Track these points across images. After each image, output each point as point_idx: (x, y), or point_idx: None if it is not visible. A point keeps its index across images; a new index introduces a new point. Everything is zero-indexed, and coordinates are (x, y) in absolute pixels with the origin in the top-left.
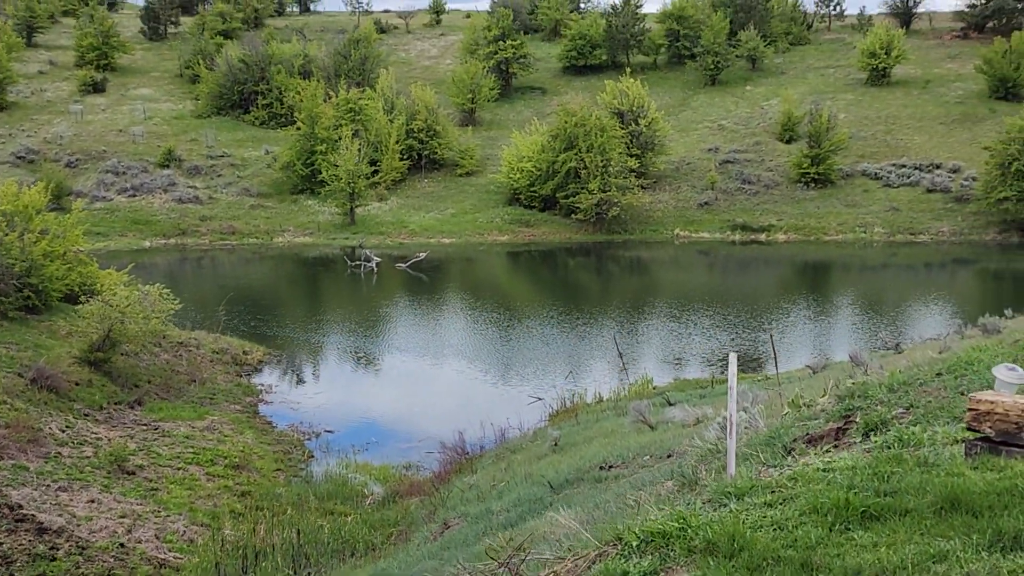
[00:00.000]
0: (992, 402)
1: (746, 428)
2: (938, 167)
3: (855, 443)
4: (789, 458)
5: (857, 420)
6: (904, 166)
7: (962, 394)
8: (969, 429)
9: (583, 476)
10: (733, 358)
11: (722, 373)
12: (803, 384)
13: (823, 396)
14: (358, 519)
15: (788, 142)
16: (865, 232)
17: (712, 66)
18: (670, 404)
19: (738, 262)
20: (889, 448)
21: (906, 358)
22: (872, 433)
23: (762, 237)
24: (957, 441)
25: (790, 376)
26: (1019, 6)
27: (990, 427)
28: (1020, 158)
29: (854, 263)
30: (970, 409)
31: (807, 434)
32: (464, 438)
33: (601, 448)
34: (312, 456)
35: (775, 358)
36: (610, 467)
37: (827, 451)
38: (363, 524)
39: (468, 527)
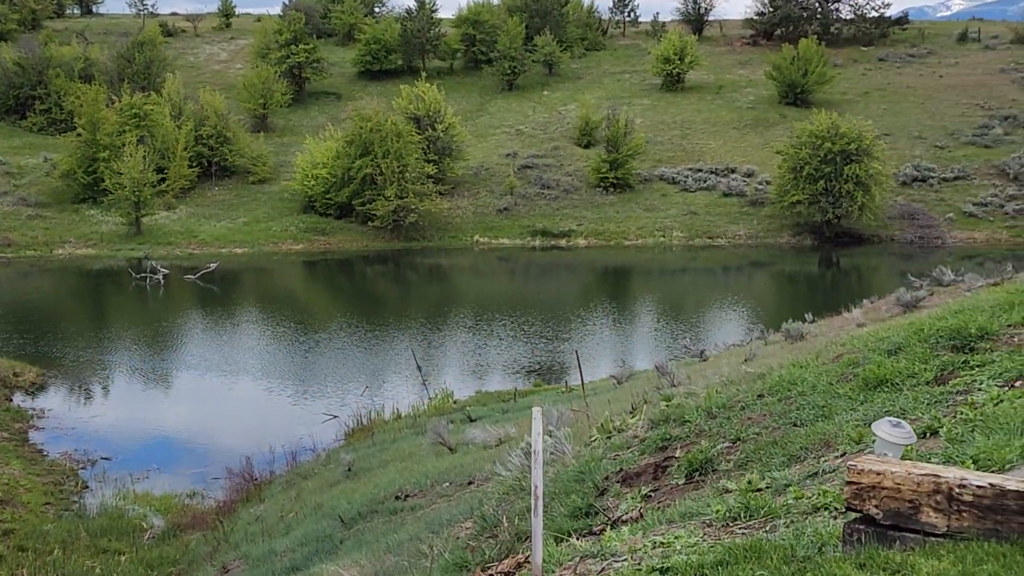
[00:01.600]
0: (879, 473)
1: (552, 455)
2: (733, 171)
3: (679, 486)
4: (610, 531)
5: (677, 455)
6: (700, 170)
7: (795, 425)
8: (849, 508)
9: (377, 508)
10: (537, 415)
11: (525, 383)
12: (610, 397)
13: (634, 417)
14: (133, 558)
15: (586, 147)
16: (664, 236)
17: (509, 71)
18: (471, 420)
19: (539, 268)
20: (735, 520)
21: (712, 367)
22: (697, 474)
23: (563, 243)
24: (818, 509)
25: (595, 387)
26: (805, 15)
27: (876, 506)
28: (811, 162)
29: (654, 267)
30: (850, 482)
31: (621, 470)
32: (252, 462)
33: (397, 474)
34: (87, 487)
35: (580, 372)
36: (406, 496)
37: (647, 496)
38: (139, 564)
39: (248, 573)
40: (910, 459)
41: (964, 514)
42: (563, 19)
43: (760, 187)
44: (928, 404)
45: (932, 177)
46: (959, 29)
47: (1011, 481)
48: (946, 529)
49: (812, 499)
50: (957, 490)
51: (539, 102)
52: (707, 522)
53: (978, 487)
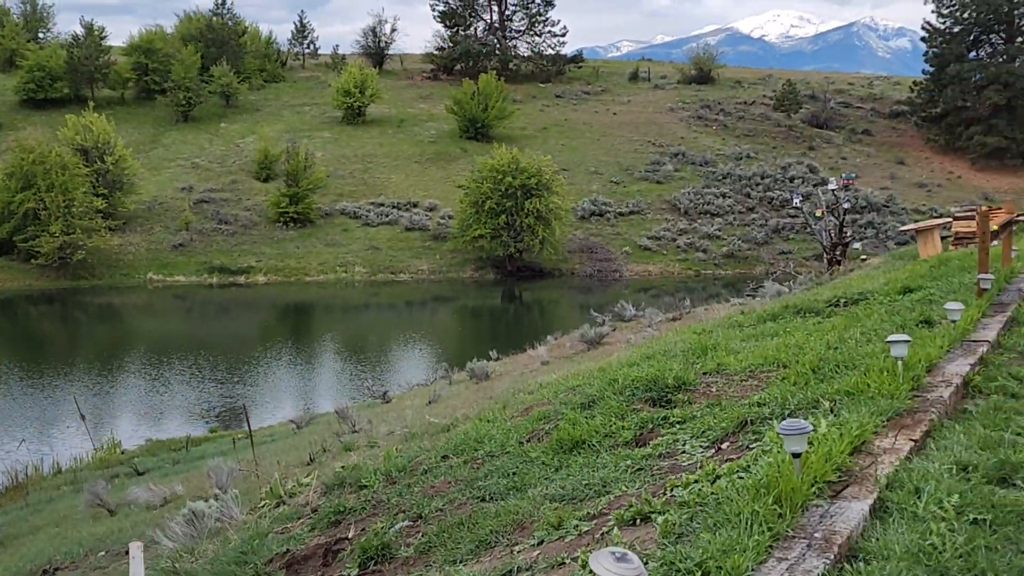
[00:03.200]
0: None
1: (218, 522)
2: (415, 205)
3: None
4: None
5: (351, 535)
6: (383, 204)
7: (484, 500)
8: None
9: None
10: (137, 554)
11: (200, 429)
12: (289, 443)
13: (307, 477)
14: None
15: (266, 180)
16: (346, 272)
17: (184, 102)
18: (139, 474)
19: (217, 306)
20: None
21: (396, 409)
22: (372, 563)
23: (241, 279)
24: None
25: (273, 432)
26: (484, 50)
27: None
28: (492, 196)
29: (336, 304)
30: None
31: (288, 551)
32: None
33: (48, 542)
34: None
35: (248, 424)
36: (55, 570)
37: None
38: None
39: None
40: None
41: None
42: (241, 49)
43: (443, 221)
44: (631, 473)
45: (609, 211)
46: (631, 69)
47: None
48: None
49: None
50: None
51: (216, 134)
52: None
53: None
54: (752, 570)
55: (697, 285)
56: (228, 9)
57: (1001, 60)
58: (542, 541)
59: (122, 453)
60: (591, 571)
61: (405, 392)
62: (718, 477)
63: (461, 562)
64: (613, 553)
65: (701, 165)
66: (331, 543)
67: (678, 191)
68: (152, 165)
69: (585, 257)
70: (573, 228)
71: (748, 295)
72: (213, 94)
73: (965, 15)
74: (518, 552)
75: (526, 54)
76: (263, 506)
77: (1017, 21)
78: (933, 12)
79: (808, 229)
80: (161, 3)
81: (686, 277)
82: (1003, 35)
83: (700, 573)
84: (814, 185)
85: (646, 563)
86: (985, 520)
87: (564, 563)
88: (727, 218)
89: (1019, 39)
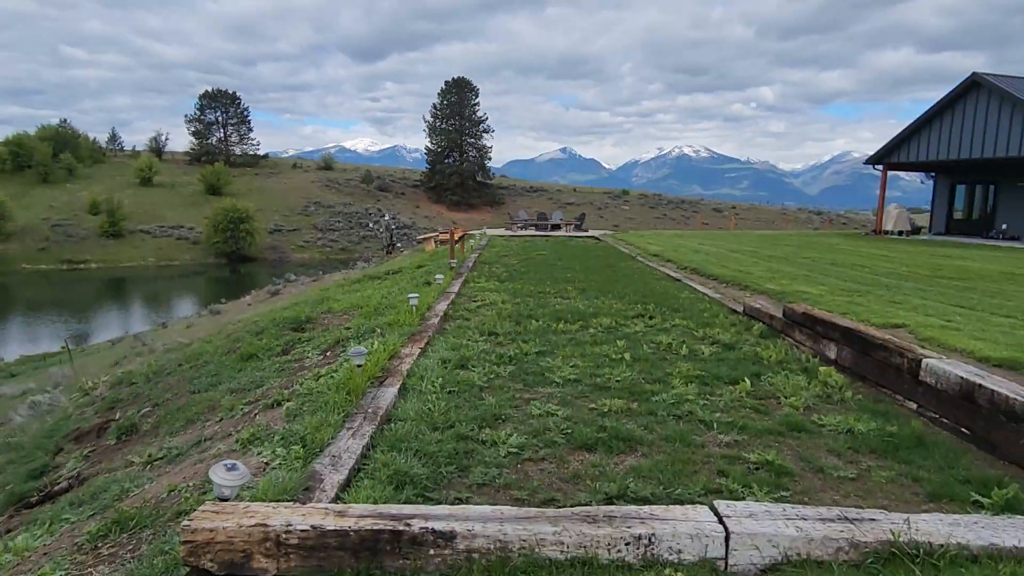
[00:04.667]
0: (211, 530)
1: (49, 407)
2: (182, 226)
3: (111, 446)
4: (48, 504)
5: (117, 417)
6: (164, 226)
7: (195, 392)
8: (186, 564)
9: None
10: None
11: (56, 347)
12: (106, 355)
13: (105, 376)
14: None
15: (95, 215)
16: (143, 261)
17: (43, 172)
18: (12, 376)
19: (68, 281)
20: (105, 537)
21: (168, 333)
22: (124, 435)
23: (82, 266)
24: (180, 514)
25: (98, 348)
26: (220, 149)
27: (212, 559)
28: (223, 221)
29: (139, 277)
30: (185, 542)
31: (78, 428)
32: None
33: None
34: None
35: (68, 350)
36: None
37: (87, 456)
38: None
39: None
40: (254, 500)
41: (292, 556)
42: (76, 144)
43: (198, 235)
44: (278, 372)
45: (283, 229)
46: (294, 161)
47: (329, 523)
48: (276, 572)
49: (182, 500)
50: (284, 536)
51: (63, 191)
52: (78, 544)
53: (302, 531)
54: (332, 438)
55: (328, 265)
56: (68, 124)
57: (457, 163)
58: (222, 419)
59: (3, 362)
60: (211, 480)
61: (176, 322)
62: (320, 377)
63: (176, 434)
64: (225, 464)
65: (327, 207)
66: (104, 423)
67: (317, 219)
68: (24, 206)
69: (272, 251)
70: (266, 236)
71: (350, 269)
72: (61, 169)
73: (443, 143)
74: (207, 427)
75: (239, 152)
76: (75, 397)
77: (462, 146)
78: (430, 142)
79: (376, 236)
80: (29, 120)
81: (322, 261)
82: (457, 153)
83: (303, 442)
84: (380, 217)
85: (278, 437)
86: (455, 390)
87: (231, 434)
88: (341, 232)
89: (465, 154)
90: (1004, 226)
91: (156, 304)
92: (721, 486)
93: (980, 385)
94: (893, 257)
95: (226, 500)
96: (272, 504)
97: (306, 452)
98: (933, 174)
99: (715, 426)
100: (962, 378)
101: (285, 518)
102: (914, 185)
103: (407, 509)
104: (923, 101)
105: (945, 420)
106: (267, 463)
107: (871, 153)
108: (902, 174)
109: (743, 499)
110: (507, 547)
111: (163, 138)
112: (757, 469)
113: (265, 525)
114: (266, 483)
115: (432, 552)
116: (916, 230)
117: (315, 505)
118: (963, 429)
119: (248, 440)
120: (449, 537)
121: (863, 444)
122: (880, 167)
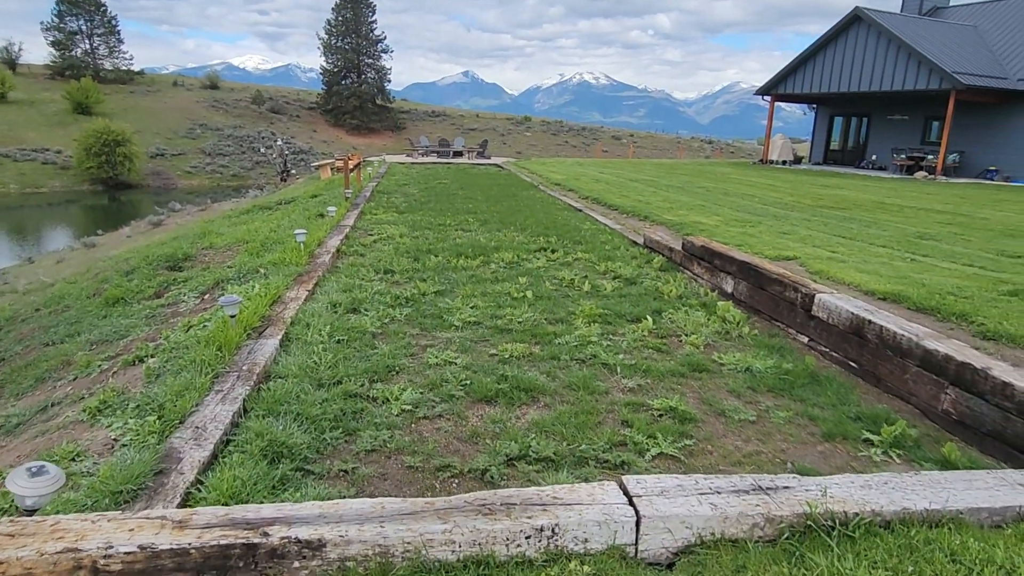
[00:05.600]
0: (2, 562)
1: None
2: (48, 150)
3: None
4: None
5: None
6: (25, 149)
7: (48, 344)
8: None
9: None
10: None
11: None
12: None
13: None
14: None
15: None
16: (5, 188)
17: None
18: None
19: None
20: None
21: (35, 269)
22: None
23: None
24: None
25: None
26: (86, 63)
27: None
28: (96, 144)
29: (2, 204)
30: None
31: None
32: None
33: None
34: None
35: None
36: None
37: None
38: None
39: None
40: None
41: None
42: None
43: (68, 158)
44: (147, 319)
45: (166, 153)
46: (174, 79)
47: (164, 541)
48: None
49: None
50: (103, 562)
51: None
52: None
53: (127, 553)
54: (197, 404)
55: (218, 193)
56: None
57: (355, 85)
58: (76, 377)
59: None
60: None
61: (44, 256)
62: (191, 327)
63: (22, 396)
64: (29, 468)
65: (215, 130)
66: None
67: (204, 143)
68: None
69: (155, 177)
70: (148, 161)
71: (241, 197)
72: None
73: (339, 63)
74: (58, 387)
75: (110, 67)
76: None
77: (359, 67)
78: (325, 61)
79: (270, 162)
80: None
81: (212, 188)
82: (355, 74)
83: (160, 411)
84: (273, 142)
85: (133, 405)
86: (345, 339)
87: (83, 397)
88: (232, 157)
89: (363, 75)
90: (874, 156)
91: (21, 236)
92: (626, 438)
93: (870, 321)
94: (779, 187)
95: (33, 512)
96: (92, 517)
97: (163, 424)
98: (815, 106)
99: (618, 370)
100: (853, 313)
101: (105, 537)
102: (795, 116)
103: (266, 511)
104: (807, 35)
105: (835, 354)
106: (116, 439)
107: (759, 84)
108: (784, 105)
109: (648, 451)
110: (388, 551)
111: (16, 48)
112: (661, 416)
113: (77, 550)
114: (107, 469)
115: (297, 565)
116: (798, 160)
117: (148, 514)
118: (851, 363)
119: (97, 409)
120: (317, 546)
121: (761, 383)
122: (767, 98)
